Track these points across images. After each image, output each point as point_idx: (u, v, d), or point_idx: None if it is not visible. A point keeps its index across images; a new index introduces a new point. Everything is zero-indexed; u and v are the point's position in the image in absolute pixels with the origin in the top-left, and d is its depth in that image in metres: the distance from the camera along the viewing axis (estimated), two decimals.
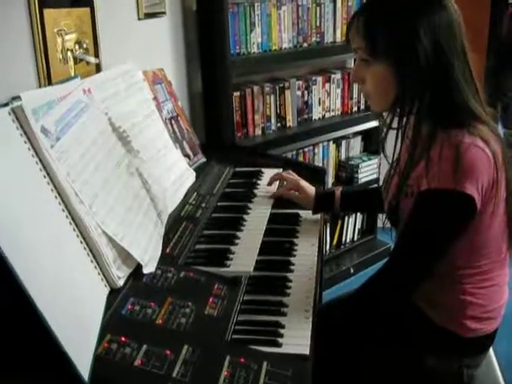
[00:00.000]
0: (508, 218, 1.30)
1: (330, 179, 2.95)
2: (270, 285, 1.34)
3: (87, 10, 1.43)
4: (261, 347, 1.10)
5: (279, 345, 1.13)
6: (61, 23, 1.32)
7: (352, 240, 3.16)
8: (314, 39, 2.68)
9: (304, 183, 1.71)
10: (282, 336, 1.15)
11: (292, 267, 1.41)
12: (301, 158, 2.76)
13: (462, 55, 1.20)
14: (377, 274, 1.28)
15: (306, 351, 1.11)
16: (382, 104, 1.27)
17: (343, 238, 3.11)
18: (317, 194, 1.67)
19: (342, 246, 3.12)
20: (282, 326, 1.18)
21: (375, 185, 3.01)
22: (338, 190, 1.67)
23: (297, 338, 1.15)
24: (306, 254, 1.49)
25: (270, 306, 1.26)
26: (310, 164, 2.59)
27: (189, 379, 0.97)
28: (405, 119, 1.25)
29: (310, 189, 1.69)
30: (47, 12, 1.25)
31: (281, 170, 1.92)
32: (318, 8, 2.64)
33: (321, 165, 2.87)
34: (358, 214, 3.14)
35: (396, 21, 1.17)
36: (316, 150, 2.83)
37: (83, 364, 0.89)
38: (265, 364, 1.03)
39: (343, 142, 2.98)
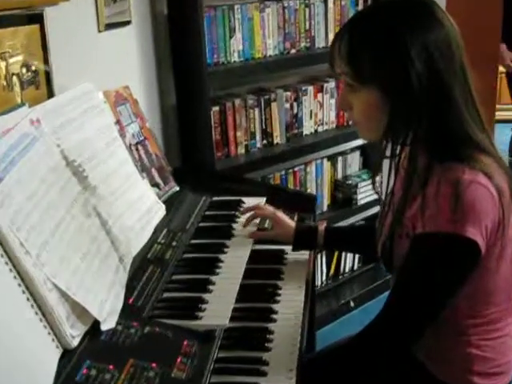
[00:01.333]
0: None
1: (325, 201, 2.96)
2: (249, 338, 1.35)
3: (36, 27, 1.44)
4: None
5: None
6: (4, 45, 1.33)
7: (352, 269, 3.16)
8: (303, 44, 2.69)
9: (281, 216, 1.72)
10: None
11: (274, 316, 1.42)
12: (291, 179, 2.77)
13: (461, 76, 1.21)
14: (370, 325, 1.27)
15: None
16: (372, 133, 1.28)
17: (341, 267, 3.11)
18: (297, 229, 1.67)
19: (341, 277, 3.12)
20: None
21: (367, 221, 3.00)
22: (323, 225, 1.67)
23: None
24: (291, 300, 1.49)
25: (247, 364, 1.26)
26: (297, 190, 2.60)
27: None
28: (399, 148, 1.26)
29: (289, 223, 1.70)
30: None
31: (263, 199, 1.93)
32: (306, 9, 2.66)
33: (314, 185, 2.89)
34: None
35: (383, 42, 1.18)
36: (308, 169, 2.84)
37: None
38: None
39: (339, 159, 2.99)
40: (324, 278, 3.05)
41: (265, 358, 1.27)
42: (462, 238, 1.14)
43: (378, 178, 1.45)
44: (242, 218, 1.81)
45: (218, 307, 1.38)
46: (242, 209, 1.86)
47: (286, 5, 2.59)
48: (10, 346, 1.01)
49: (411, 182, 1.24)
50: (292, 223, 1.70)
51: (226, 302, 1.40)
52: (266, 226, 1.75)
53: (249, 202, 1.94)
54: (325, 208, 2.97)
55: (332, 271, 3.08)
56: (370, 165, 3.11)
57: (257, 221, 1.78)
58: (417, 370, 1.35)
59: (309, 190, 2.86)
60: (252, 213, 1.78)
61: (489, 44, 3.46)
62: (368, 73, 1.20)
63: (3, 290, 1.07)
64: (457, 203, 1.14)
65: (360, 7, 2.82)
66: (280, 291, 1.52)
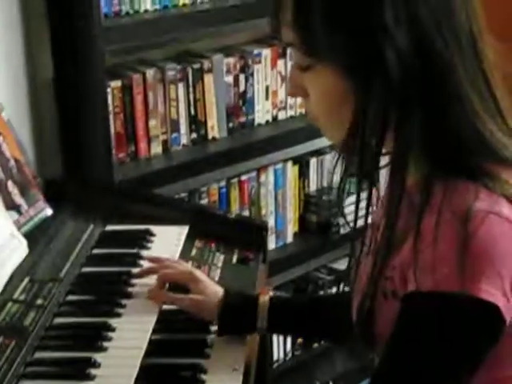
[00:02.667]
0: None
1: (289, 228, 3.01)
2: None
3: None
4: None
5: None
6: None
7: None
8: None
9: (201, 275, 1.72)
10: None
11: None
12: (235, 194, 2.82)
13: (470, 51, 1.25)
14: None
15: None
16: (338, 134, 1.31)
17: None
18: (224, 299, 1.67)
19: (315, 345, 3.18)
20: None
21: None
22: (267, 296, 1.69)
23: None
24: None
25: None
26: (236, 216, 2.62)
27: None
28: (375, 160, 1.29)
29: (212, 288, 1.70)
30: None
31: (184, 230, 1.96)
32: None
33: (272, 203, 2.93)
34: None
35: None
36: (262, 178, 2.90)
37: None
38: None
39: (312, 162, 3.04)
40: (289, 347, 3.10)
41: None
42: (475, 300, 1.17)
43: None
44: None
45: None
46: (135, 272, 1.81)
47: None
48: None
49: (397, 211, 1.27)
50: (218, 289, 1.69)
51: None
52: None
53: (161, 233, 1.98)
54: (289, 239, 3.03)
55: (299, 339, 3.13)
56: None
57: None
58: None
59: (263, 212, 2.93)
60: (156, 261, 1.79)
61: None
62: (322, 43, 1.24)
63: None
64: (466, 248, 1.17)
65: None
66: (204, 376, 1.56)
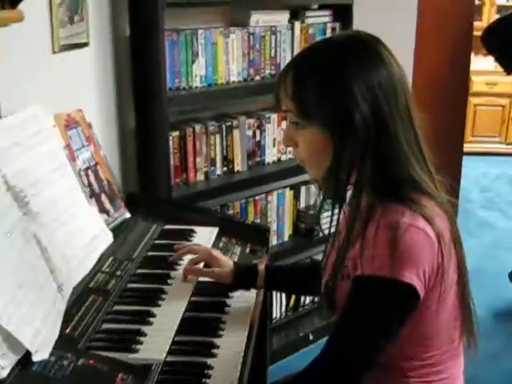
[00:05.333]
0: (461, 303, 1.35)
1: (286, 231, 3.01)
2: (186, 374, 1.36)
3: None
4: None
5: None
6: None
7: (312, 301, 3.19)
8: (267, 72, 2.76)
9: (217, 255, 1.70)
10: None
11: (215, 351, 1.44)
12: (251, 208, 2.82)
13: (406, 118, 1.26)
14: (308, 367, 1.30)
15: None
16: (318, 171, 1.32)
17: (302, 299, 3.15)
18: (235, 268, 1.66)
19: (301, 309, 3.17)
20: None
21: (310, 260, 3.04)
22: (262, 264, 1.68)
23: None
24: (234, 335, 1.51)
25: None
26: (251, 223, 2.63)
27: None
28: (342, 189, 1.30)
29: (226, 261, 1.68)
30: None
31: (216, 230, 1.97)
32: (272, 36, 2.73)
33: (275, 215, 2.93)
34: None
35: (328, 80, 1.23)
36: (269, 198, 2.89)
37: None
38: None
39: (302, 189, 3.04)
40: (283, 309, 3.08)
41: None
42: (399, 282, 1.18)
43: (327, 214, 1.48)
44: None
45: (157, 340, 1.40)
46: (171, 257, 1.78)
47: (251, 31, 2.65)
48: None
49: (354, 222, 1.28)
50: (230, 262, 1.68)
51: (166, 335, 1.42)
52: None
53: (200, 231, 1.98)
54: (286, 238, 3.02)
55: (292, 303, 3.11)
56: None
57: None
58: None
59: (269, 220, 2.91)
60: (185, 246, 1.78)
61: (460, 80, 3.57)
62: (312, 111, 1.24)
63: None
64: (394, 247, 1.17)
65: (328, 35, 2.90)
66: (224, 325, 1.54)
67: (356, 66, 1.23)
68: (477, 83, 6.02)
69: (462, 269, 1.32)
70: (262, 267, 1.67)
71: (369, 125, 1.22)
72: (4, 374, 1.18)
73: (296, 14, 2.84)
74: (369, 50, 1.26)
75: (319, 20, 2.89)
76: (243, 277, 1.66)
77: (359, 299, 1.23)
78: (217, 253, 1.72)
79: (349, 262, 1.28)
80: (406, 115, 1.27)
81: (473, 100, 5.97)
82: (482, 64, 5.72)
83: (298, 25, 2.81)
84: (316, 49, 1.34)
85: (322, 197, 1.37)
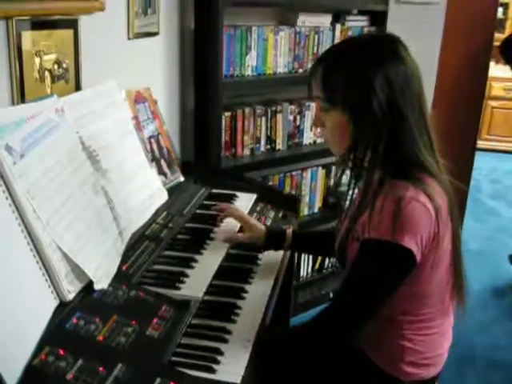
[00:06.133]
0: (454, 270, 1.35)
1: (317, 204, 3.01)
2: (219, 311, 1.41)
3: (70, 31, 1.51)
4: (195, 372, 1.17)
5: (213, 371, 1.19)
6: (40, 44, 1.41)
7: (334, 265, 3.20)
8: (309, 65, 2.74)
9: (249, 219, 1.71)
10: (218, 363, 1.22)
11: (245, 295, 1.48)
12: (288, 182, 2.82)
13: (417, 108, 1.26)
14: (320, 313, 1.33)
15: (238, 380, 1.17)
16: (340, 150, 1.33)
17: (326, 263, 3.16)
18: (267, 231, 1.67)
19: (324, 270, 3.17)
20: (221, 353, 1.25)
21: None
22: (290, 229, 1.69)
23: (232, 366, 1.22)
24: (261, 284, 1.55)
25: (213, 331, 1.32)
26: (284, 191, 2.64)
27: None
28: (358, 165, 1.31)
29: (258, 226, 1.69)
30: (25, 34, 1.34)
31: (254, 196, 2.00)
32: (316, 35, 2.71)
33: (308, 189, 2.94)
34: None
35: (351, 73, 1.24)
36: (304, 174, 2.89)
37: (10, 375, 0.97)
38: None
39: (333, 168, 3.02)
40: (310, 270, 3.10)
41: (229, 328, 1.34)
42: (399, 246, 1.19)
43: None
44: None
45: (197, 281, 1.44)
46: (214, 207, 1.82)
47: (298, 30, 2.64)
48: (16, 291, 1.09)
49: (366, 194, 1.29)
50: (262, 226, 1.69)
51: (205, 278, 1.47)
52: None
53: (241, 196, 2.00)
54: (316, 209, 3.02)
55: (317, 265, 3.13)
56: None
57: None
58: (358, 356, 1.38)
59: (303, 193, 2.91)
60: (225, 210, 1.78)
61: (478, 85, 3.49)
62: (337, 98, 1.26)
63: (14, 247, 1.15)
64: (397, 217, 1.18)
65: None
66: (254, 275, 1.59)
67: (376, 62, 1.23)
68: (496, 88, 5.88)
69: (456, 241, 1.32)
70: (289, 231, 1.68)
71: (384, 112, 1.22)
72: (70, 296, 1.24)
73: (338, 17, 2.81)
74: (389, 48, 1.26)
75: (358, 24, 2.86)
76: (273, 239, 1.67)
77: (365, 258, 1.25)
78: (251, 219, 1.73)
79: (359, 227, 1.30)
80: (418, 106, 1.26)
81: (491, 103, 5.87)
82: (502, 72, 5.57)
83: (338, 27, 2.78)
84: (343, 46, 1.36)
85: (340, 171, 1.38)
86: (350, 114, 1.26)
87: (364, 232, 1.26)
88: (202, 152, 2.49)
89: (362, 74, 1.23)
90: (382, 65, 1.23)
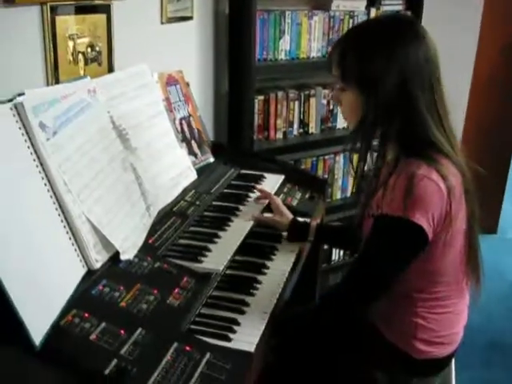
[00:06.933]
0: (469, 249, 1.37)
1: (349, 188, 3.03)
2: (239, 284, 1.47)
3: (103, 16, 1.59)
4: (212, 339, 1.23)
5: (229, 339, 1.25)
6: (73, 28, 1.49)
7: None
8: None
9: (283, 207, 1.77)
10: (234, 332, 1.28)
11: (265, 270, 1.53)
12: (321, 165, 2.84)
13: (428, 89, 1.27)
14: (335, 287, 1.38)
15: (252, 349, 1.23)
16: (355, 123, 1.36)
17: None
18: (292, 221, 1.71)
19: (356, 254, 3.17)
20: (238, 323, 1.31)
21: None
22: (315, 222, 1.72)
23: (247, 336, 1.27)
24: (283, 261, 1.59)
25: (232, 303, 1.38)
26: (313, 174, 2.67)
27: (133, 358, 1.11)
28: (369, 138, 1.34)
29: (287, 214, 1.74)
30: (59, 19, 1.42)
31: (282, 177, 2.04)
32: (350, 20, 2.72)
33: (341, 173, 2.95)
34: None
35: (367, 54, 1.27)
36: (337, 158, 2.90)
37: (37, 330, 1.05)
38: (208, 355, 1.16)
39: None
40: (341, 253, 3.13)
41: (247, 300, 1.39)
42: (410, 222, 1.21)
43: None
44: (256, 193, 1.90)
45: (219, 255, 1.50)
46: (258, 186, 1.91)
47: (332, 14, 2.65)
48: (44, 262, 1.17)
49: (380, 172, 1.33)
50: (290, 216, 1.74)
51: (227, 252, 1.52)
52: None
53: (269, 177, 2.05)
54: (348, 194, 3.02)
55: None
56: None
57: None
58: (371, 331, 1.42)
59: (336, 177, 2.93)
60: (266, 192, 1.85)
61: None
62: (351, 77, 1.30)
63: (46, 217, 1.23)
64: (409, 193, 1.21)
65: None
66: (276, 252, 1.63)
67: (390, 44, 1.25)
68: None
69: (471, 221, 1.34)
70: (313, 224, 1.71)
71: (395, 91, 1.25)
72: (98, 265, 1.32)
73: (373, 1, 2.80)
74: (405, 29, 1.28)
75: (393, 8, 2.83)
76: (297, 230, 1.70)
77: (377, 234, 1.28)
78: (284, 208, 1.78)
79: (373, 203, 1.33)
80: (429, 86, 1.28)
81: None
82: None
83: (373, 11, 2.77)
84: (362, 27, 1.39)
85: (352, 144, 1.40)
86: (363, 93, 1.29)
87: (378, 208, 1.29)
88: (235, 135, 2.54)
89: (375, 56, 1.25)
90: (398, 46, 1.25)
